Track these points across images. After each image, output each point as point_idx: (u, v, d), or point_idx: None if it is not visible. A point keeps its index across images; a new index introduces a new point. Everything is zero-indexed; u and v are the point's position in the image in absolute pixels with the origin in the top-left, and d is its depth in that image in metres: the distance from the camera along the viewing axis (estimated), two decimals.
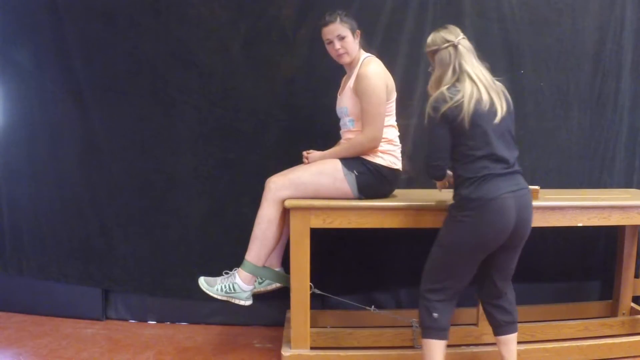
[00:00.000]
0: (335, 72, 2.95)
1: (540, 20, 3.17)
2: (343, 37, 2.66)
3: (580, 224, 2.70)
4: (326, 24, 2.66)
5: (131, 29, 3.14)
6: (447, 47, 2.29)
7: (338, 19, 2.65)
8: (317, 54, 3.07)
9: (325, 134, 3.02)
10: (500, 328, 2.44)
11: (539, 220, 2.67)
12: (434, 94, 2.28)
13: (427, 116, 2.28)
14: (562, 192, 3.06)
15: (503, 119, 2.25)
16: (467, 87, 2.24)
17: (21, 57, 3.25)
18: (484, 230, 2.22)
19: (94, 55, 3.16)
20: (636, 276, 3.21)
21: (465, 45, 2.31)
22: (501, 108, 2.25)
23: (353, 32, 2.68)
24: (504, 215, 2.20)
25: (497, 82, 2.35)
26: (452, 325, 2.71)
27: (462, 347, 2.76)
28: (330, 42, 2.68)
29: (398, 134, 2.79)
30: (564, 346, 2.79)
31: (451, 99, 2.21)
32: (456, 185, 2.31)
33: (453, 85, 2.26)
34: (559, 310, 3.23)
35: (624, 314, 3.13)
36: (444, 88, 2.26)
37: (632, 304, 3.16)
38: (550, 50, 3.19)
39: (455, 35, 2.32)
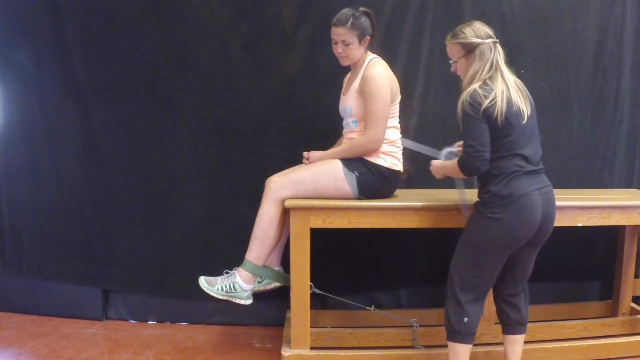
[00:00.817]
0: (336, 72, 2.95)
1: (540, 20, 3.17)
2: (348, 44, 2.64)
3: (580, 224, 2.70)
4: (335, 25, 2.64)
5: (131, 29, 3.14)
6: (489, 42, 2.29)
7: (348, 24, 2.60)
8: (317, 54, 3.08)
9: (325, 134, 3.02)
10: (510, 327, 2.44)
11: None
12: (468, 90, 2.25)
13: (464, 113, 2.23)
14: (562, 192, 3.05)
15: (529, 118, 2.27)
16: (499, 85, 2.24)
17: (21, 57, 3.25)
18: (514, 227, 2.22)
19: (94, 55, 3.16)
20: (636, 276, 3.21)
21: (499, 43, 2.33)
22: (526, 107, 2.27)
23: (361, 39, 2.65)
24: (533, 211, 2.23)
25: (520, 82, 2.35)
26: None
27: None
28: (335, 43, 2.68)
29: (400, 135, 2.79)
30: (564, 346, 2.79)
31: (486, 97, 2.20)
32: (484, 183, 2.30)
33: (484, 82, 2.25)
34: (559, 310, 3.23)
35: (624, 314, 3.13)
36: (476, 85, 2.24)
37: (632, 304, 3.16)
38: (550, 50, 3.19)
39: (491, 31, 2.33)
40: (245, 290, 2.70)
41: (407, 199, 2.73)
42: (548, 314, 3.19)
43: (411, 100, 3.12)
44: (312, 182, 2.63)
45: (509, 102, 2.23)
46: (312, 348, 2.69)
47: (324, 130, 3.04)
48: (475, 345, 2.60)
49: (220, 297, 2.69)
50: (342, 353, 2.70)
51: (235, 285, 2.68)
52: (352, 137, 2.75)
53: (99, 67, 3.17)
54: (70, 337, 3.11)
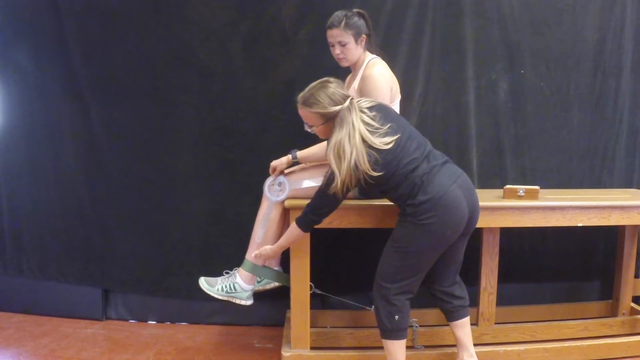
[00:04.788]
0: (336, 73, 2.94)
1: (540, 20, 3.17)
2: (344, 44, 2.64)
3: (580, 224, 2.70)
4: (329, 28, 2.65)
5: (131, 29, 3.14)
6: (347, 105, 2.26)
7: (342, 24, 2.61)
8: (317, 54, 3.07)
9: None
10: (454, 313, 2.50)
11: (539, 220, 2.68)
12: (344, 169, 2.20)
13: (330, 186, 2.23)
14: (562, 192, 3.06)
15: (399, 130, 2.25)
16: (356, 146, 2.19)
17: (21, 57, 3.25)
18: (444, 227, 2.23)
19: (94, 55, 3.16)
20: (636, 276, 3.21)
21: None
22: (384, 136, 2.21)
23: (357, 38, 2.65)
24: (459, 206, 2.23)
25: (369, 105, 2.31)
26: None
27: None
28: (332, 45, 2.68)
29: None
30: (564, 346, 2.78)
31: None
32: (401, 201, 2.28)
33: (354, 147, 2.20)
34: (559, 310, 3.22)
35: (624, 314, 3.13)
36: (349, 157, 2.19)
37: (632, 304, 3.16)
38: (550, 50, 3.18)
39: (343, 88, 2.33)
40: (246, 291, 2.70)
41: None
42: (548, 314, 3.19)
43: (411, 100, 3.12)
44: (312, 182, 2.63)
45: (370, 151, 2.19)
46: (312, 348, 2.69)
47: None
48: (475, 345, 2.61)
49: (220, 297, 2.69)
50: (342, 353, 2.70)
51: (236, 285, 2.68)
52: None
53: (99, 67, 3.17)
54: (70, 337, 3.11)
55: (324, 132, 2.34)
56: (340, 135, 2.20)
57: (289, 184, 2.65)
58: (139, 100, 3.19)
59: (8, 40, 3.24)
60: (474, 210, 2.33)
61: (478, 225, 2.63)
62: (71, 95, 3.22)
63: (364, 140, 2.20)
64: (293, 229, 2.43)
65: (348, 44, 2.64)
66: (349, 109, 2.24)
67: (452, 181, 2.24)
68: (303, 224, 2.39)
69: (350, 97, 2.30)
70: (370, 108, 2.30)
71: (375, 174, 2.19)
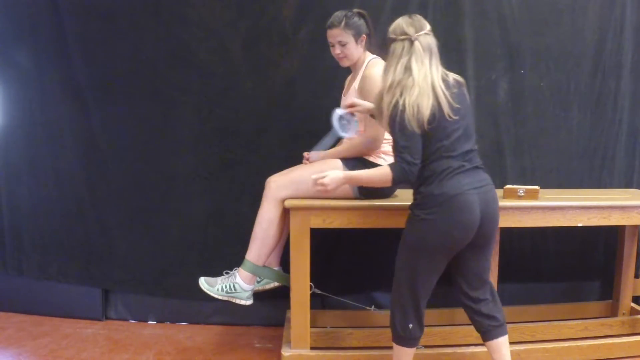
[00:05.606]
0: (336, 73, 2.96)
1: (540, 20, 3.17)
2: (344, 44, 2.65)
3: (580, 224, 2.70)
4: (329, 28, 2.66)
5: (131, 29, 3.14)
6: (403, 40, 2.19)
7: (342, 24, 2.62)
8: (317, 54, 3.07)
9: (325, 134, 3.01)
10: (486, 333, 2.33)
11: (539, 220, 2.68)
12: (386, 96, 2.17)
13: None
14: (562, 192, 3.06)
15: (461, 116, 2.18)
16: (408, 88, 2.14)
17: (21, 57, 3.25)
18: (450, 227, 2.15)
19: (94, 55, 3.16)
20: (636, 276, 3.21)
21: (422, 42, 2.19)
22: (449, 105, 2.15)
23: (357, 38, 2.66)
24: (469, 211, 2.14)
25: (455, 79, 2.26)
26: (452, 325, 2.72)
27: (462, 347, 2.76)
28: (332, 45, 2.68)
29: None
30: (564, 346, 2.79)
31: (398, 101, 2.13)
32: (417, 184, 2.23)
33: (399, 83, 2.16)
34: (559, 310, 3.22)
35: (624, 314, 3.13)
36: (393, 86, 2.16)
37: (632, 304, 3.16)
38: (550, 50, 3.19)
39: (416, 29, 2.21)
40: (246, 291, 2.70)
41: (407, 199, 2.72)
42: (548, 314, 3.19)
43: None
44: (312, 182, 2.63)
45: (421, 105, 2.12)
46: (312, 348, 2.69)
47: (324, 130, 3.03)
48: (475, 345, 2.61)
49: (220, 297, 2.69)
50: (342, 353, 2.70)
51: (236, 285, 2.68)
52: (353, 136, 2.75)
53: (99, 67, 3.17)
54: (70, 337, 3.11)
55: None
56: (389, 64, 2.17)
57: (357, 123, 2.58)
58: (139, 100, 3.19)
59: (8, 40, 3.24)
60: (488, 222, 2.20)
61: None
62: (71, 95, 3.22)
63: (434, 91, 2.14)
64: (383, 170, 2.23)
65: (348, 43, 2.65)
66: (403, 45, 2.18)
67: (472, 186, 2.16)
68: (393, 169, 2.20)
69: (411, 38, 2.19)
70: (455, 79, 2.25)
71: (414, 127, 2.10)
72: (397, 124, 2.13)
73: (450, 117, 2.15)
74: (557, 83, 3.22)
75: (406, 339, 2.30)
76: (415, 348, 2.33)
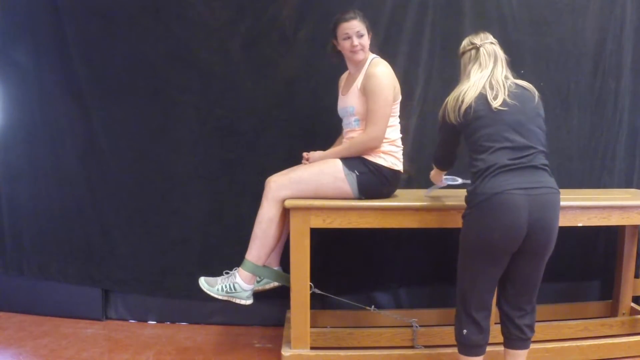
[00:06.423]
0: (336, 72, 2.95)
1: (540, 20, 3.17)
2: (362, 35, 2.67)
3: (580, 224, 2.70)
4: (347, 20, 2.66)
5: (131, 29, 3.14)
6: (470, 50, 2.35)
7: (360, 16, 2.67)
8: (317, 54, 3.07)
9: (325, 134, 3.02)
10: (509, 340, 2.31)
11: None
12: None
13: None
14: (562, 192, 3.03)
15: (514, 111, 2.17)
16: (463, 85, 2.28)
17: (21, 57, 3.25)
18: (488, 228, 2.08)
19: (94, 55, 3.16)
20: (636, 276, 3.21)
21: (487, 49, 2.32)
22: (506, 100, 2.18)
23: (368, 32, 2.70)
24: (510, 212, 2.04)
25: (517, 83, 2.32)
26: (453, 325, 2.70)
27: None
28: (349, 38, 2.67)
29: (401, 135, 2.79)
30: (564, 346, 2.79)
31: (456, 99, 2.25)
32: (471, 182, 2.24)
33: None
34: (559, 310, 3.23)
35: (624, 314, 3.14)
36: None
37: (632, 304, 3.16)
38: (550, 50, 3.19)
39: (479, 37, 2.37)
40: (246, 291, 2.70)
41: (407, 199, 2.73)
42: (548, 314, 3.19)
43: (411, 100, 3.12)
44: (312, 182, 2.63)
45: (475, 97, 2.20)
46: (312, 348, 2.69)
47: (324, 130, 3.04)
48: None
49: (220, 297, 2.69)
50: (342, 353, 2.70)
51: (236, 285, 2.68)
52: (353, 136, 2.75)
53: (99, 67, 3.17)
54: (70, 337, 3.11)
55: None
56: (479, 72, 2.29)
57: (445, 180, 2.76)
58: (139, 100, 3.19)
59: (8, 40, 3.24)
60: (539, 229, 2.10)
61: None
62: (71, 95, 3.22)
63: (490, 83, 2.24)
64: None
65: (364, 36, 2.68)
66: (470, 55, 2.34)
67: (518, 186, 2.07)
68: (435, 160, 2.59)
69: (477, 46, 2.36)
70: (517, 83, 2.31)
71: (452, 119, 2.25)
72: (439, 118, 2.36)
73: (497, 108, 2.17)
74: (557, 83, 3.22)
75: (462, 345, 2.25)
76: (480, 357, 2.25)
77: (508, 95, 2.20)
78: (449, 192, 2.85)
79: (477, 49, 2.32)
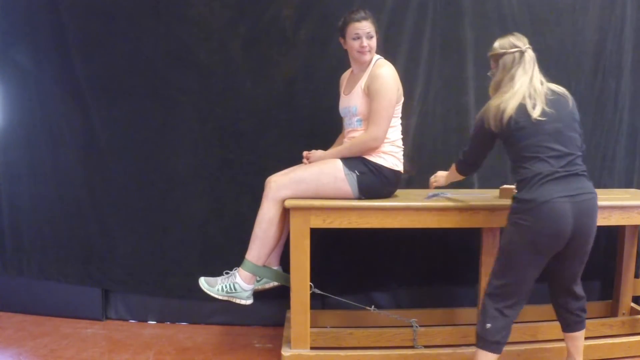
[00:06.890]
0: (336, 72, 2.96)
1: (540, 20, 3.17)
2: (372, 37, 2.67)
3: None
4: (359, 20, 2.66)
5: (131, 29, 3.14)
6: (513, 52, 2.33)
7: (370, 18, 2.67)
8: (317, 54, 3.08)
9: (325, 134, 3.02)
10: (568, 326, 2.47)
11: None
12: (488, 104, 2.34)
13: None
14: None
15: (554, 119, 2.24)
16: (507, 94, 2.29)
17: (21, 57, 3.25)
18: (537, 234, 2.19)
19: (94, 55, 3.16)
20: (636, 276, 3.21)
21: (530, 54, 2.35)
22: (542, 109, 2.24)
23: (377, 34, 2.70)
24: (558, 219, 2.17)
25: (551, 89, 2.35)
26: (453, 325, 2.71)
27: (462, 347, 2.76)
28: (359, 38, 2.67)
29: (402, 136, 2.79)
30: (564, 346, 2.77)
31: (497, 107, 2.27)
32: (517, 189, 2.31)
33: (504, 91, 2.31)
34: None
35: (624, 314, 3.14)
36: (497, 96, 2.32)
37: (632, 304, 3.16)
38: (550, 50, 3.18)
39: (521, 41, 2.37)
40: (246, 291, 2.70)
41: (407, 199, 2.73)
42: (548, 314, 3.17)
43: (411, 100, 3.12)
44: (312, 182, 2.63)
45: (516, 107, 2.24)
46: (312, 348, 2.69)
47: (324, 130, 3.04)
48: (475, 345, 2.60)
49: (220, 297, 2.69)
50: (342, 353, 2.70)
51: (236, 285, 2.68)
52: (354, 136, 2.75)
53: (99, 67, 3.17)
54: (70, 337, 3.11)
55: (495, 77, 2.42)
56: (499, 77, 2.35)
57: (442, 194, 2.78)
58: (139, 100, 3.19)
59: (8, 40, 3.24)
60: (582, 233, 2.24)
61: (477, 225, 2.64)
62: (71, 95, 3.22)
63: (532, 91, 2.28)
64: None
65: (374, 37, 2.68)
66: (513, 57, 2.33)
67: (564, 194, 2.17)
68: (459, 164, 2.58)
69: (522, 50, 2.36)
70: (551, 89, 2.35)
71: (494, 127, 2.27)
72: (476, 122, 2.39)
73: (536, 119, 2.22)
74: (557, 83, 3.18)
75: (482, 339, 2.28)
76: (497, 355, 2.29)
77: (546, 103, 2.27)
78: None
79: (522, 53, 2.32)
